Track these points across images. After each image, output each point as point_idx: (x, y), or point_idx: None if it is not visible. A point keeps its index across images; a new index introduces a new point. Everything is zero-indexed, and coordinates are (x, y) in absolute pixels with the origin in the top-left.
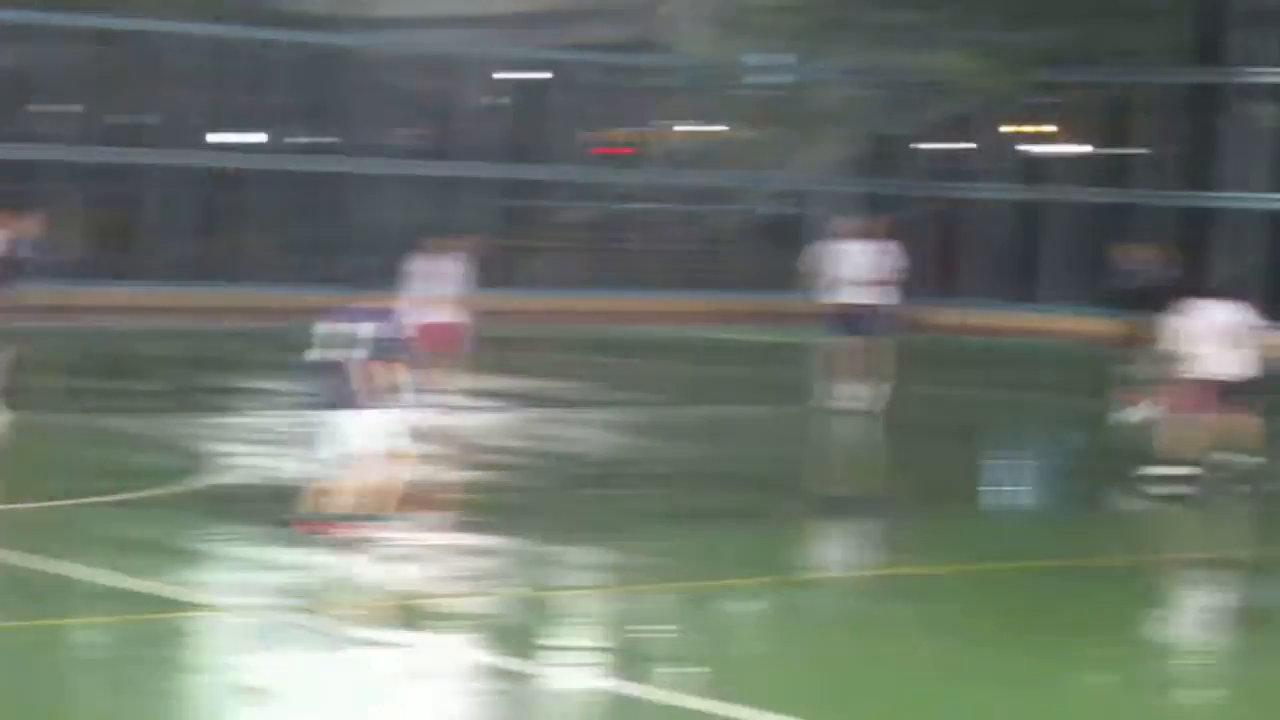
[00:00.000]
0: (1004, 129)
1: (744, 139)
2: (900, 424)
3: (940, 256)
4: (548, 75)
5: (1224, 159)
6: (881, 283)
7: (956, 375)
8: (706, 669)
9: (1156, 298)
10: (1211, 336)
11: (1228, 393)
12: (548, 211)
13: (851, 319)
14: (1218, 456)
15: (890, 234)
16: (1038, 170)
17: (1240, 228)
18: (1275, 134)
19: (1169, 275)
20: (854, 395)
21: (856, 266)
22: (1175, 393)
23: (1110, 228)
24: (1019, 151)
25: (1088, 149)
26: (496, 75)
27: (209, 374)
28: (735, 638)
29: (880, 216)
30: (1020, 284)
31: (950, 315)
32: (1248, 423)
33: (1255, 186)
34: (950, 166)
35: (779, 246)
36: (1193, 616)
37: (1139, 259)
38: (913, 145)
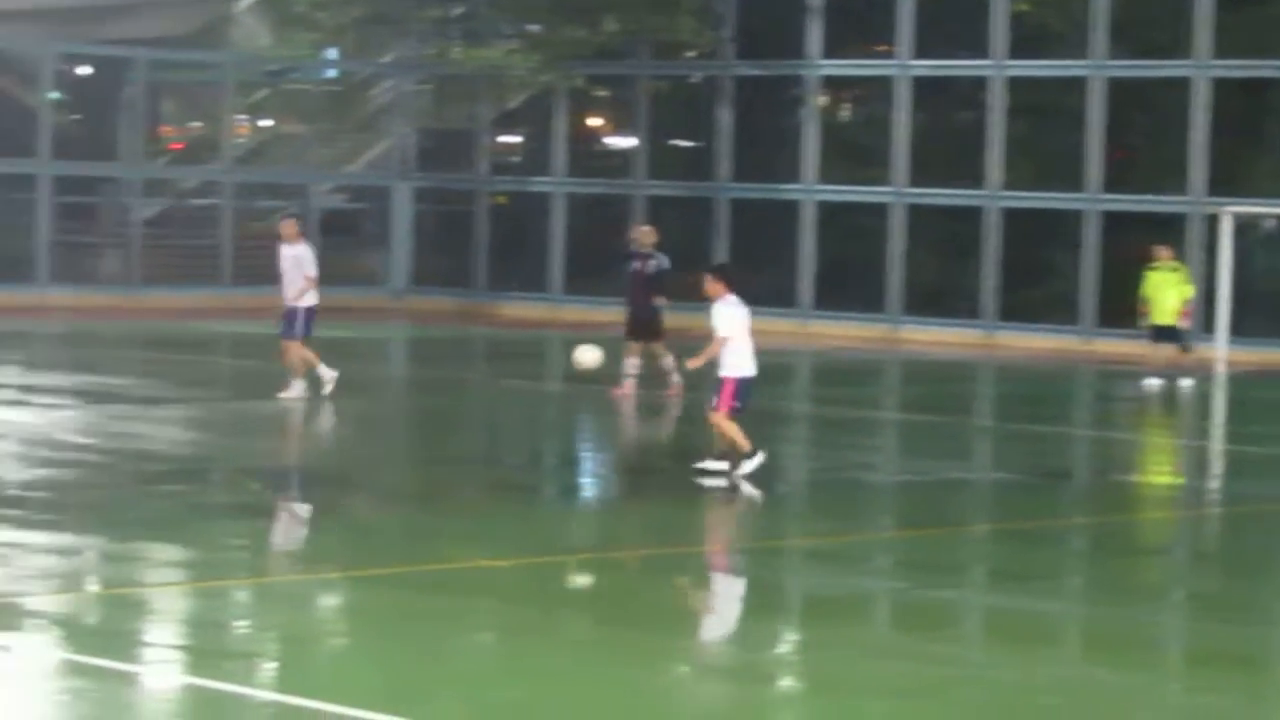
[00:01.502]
0: (569, 121)
1: (301, 134)
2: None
3: (510, 250)
4: (108, 70)
5: (789, 150)
6: (294, 284)
7: (522, 368)
8: (284, 664)
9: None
10: (744, 332)
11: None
12: (108, 208)
13: (284, 318)
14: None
15: (301, 234)
16: (606, 163)
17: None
18: (845, 126)
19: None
20: (298, 388)
21: (284, 268)
22: (721, 389)
23: (692, 220)
24: (586, 144)
25: (659, 142)
26: (53, 69)
27: None
28: (310, 632)
29: (288, 218)
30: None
31: (527, 310)
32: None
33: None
34: (516, 160)
35: (342, 243)
36: (740, 606)
37: (648, 245)
38: (479, 139)
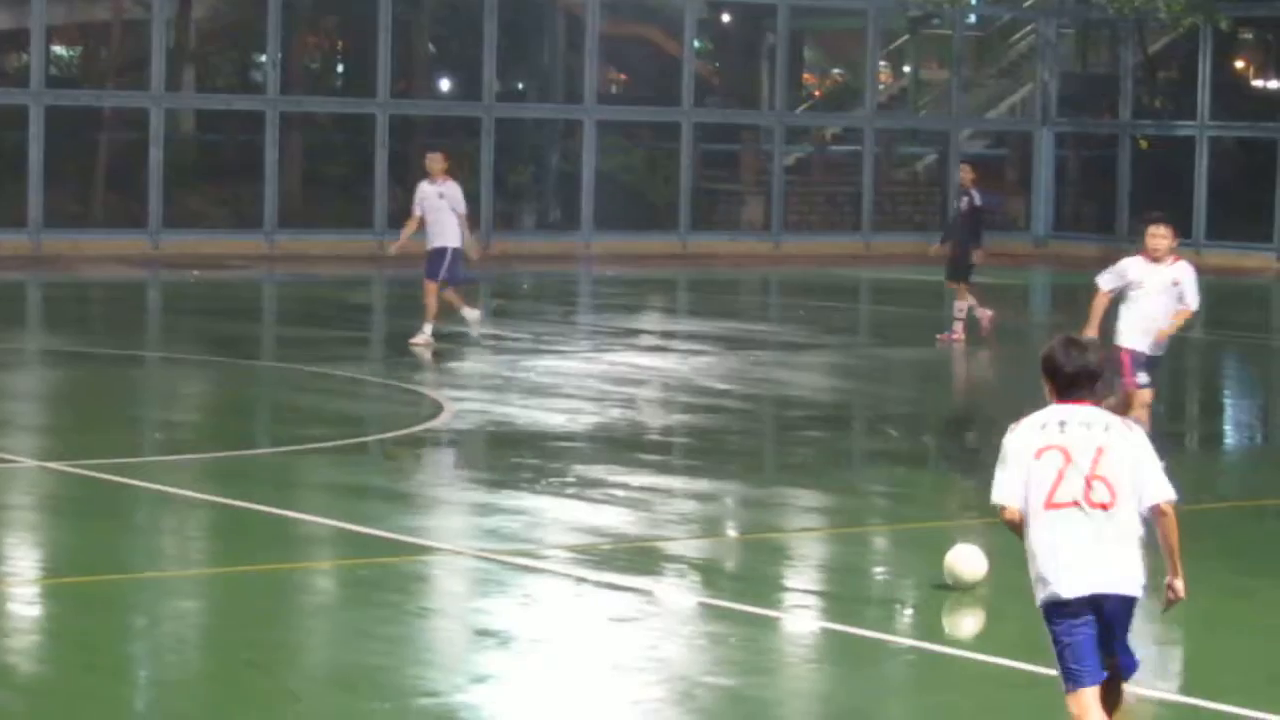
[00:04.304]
0: (1213, 64)
1: (943, 81)
2: None
3: (1154, 195)
4: (750, 18)
5: None
6: (442, 223)
7: None
8: (923, 611)
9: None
10: None
11: None
12: (750, 155)
13: (430, 260)
14: None
15: (447, 171)
16: (1252, 106)
17: None
18: None
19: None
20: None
21: (427, 211)
22: None
23: None
24: (1230, 87)
25: None
26: (697, 18)
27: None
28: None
29: (434, 152)
30: (1251, 224)
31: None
32: None
33: None
34: (1155, 104)
35: (985, 189)
36: None
37: (966, 183)
38: (1122, 83)
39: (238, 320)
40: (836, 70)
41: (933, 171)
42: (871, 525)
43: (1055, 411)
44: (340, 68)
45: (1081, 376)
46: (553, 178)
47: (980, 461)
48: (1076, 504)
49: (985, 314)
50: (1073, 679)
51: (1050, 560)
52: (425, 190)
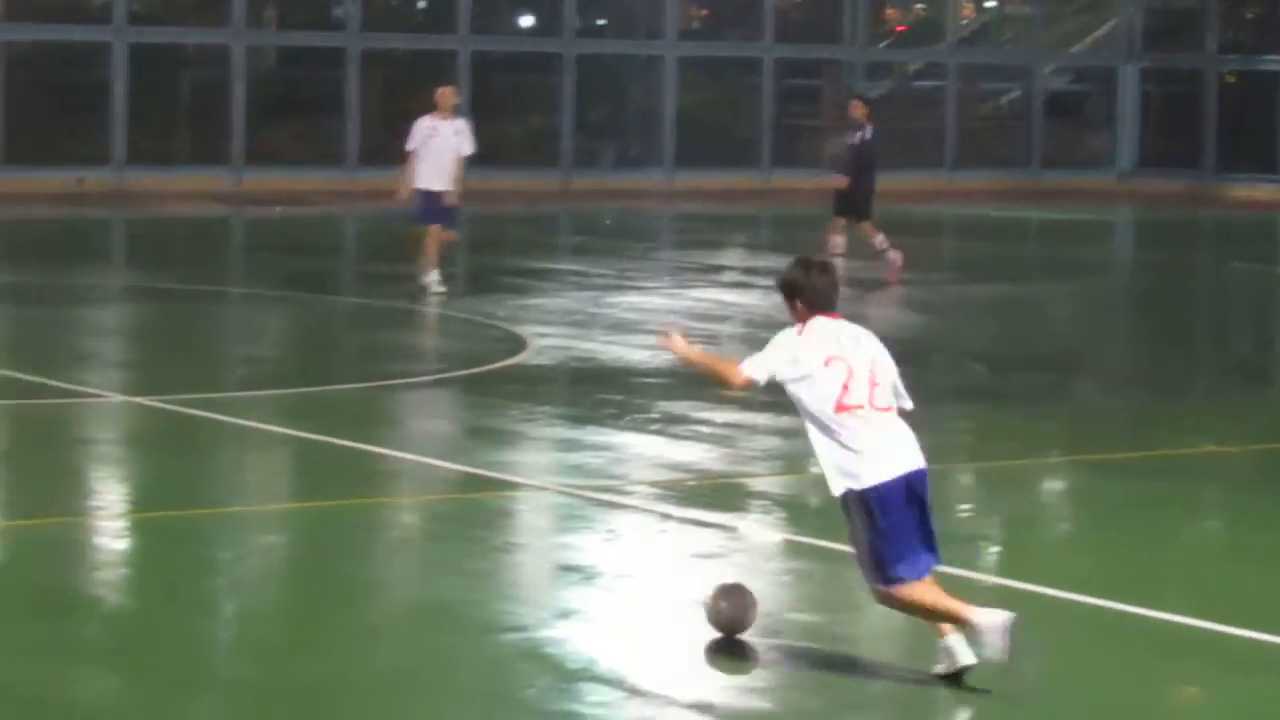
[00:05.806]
0: None
1: (1027, 15)
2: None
3: (1240, 130)
4: None
5: None
6: (445, 163)
7: (1252, 251)
8: (1002, 548)
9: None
10: None
11: None
12: (831, 91)
13: (429, 206)
14: None
15: (458, 110)
16: None
17: None
18: None
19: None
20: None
21: (434, 148)
22: None
23: None
24: None
25: None
26: None
27: (505, 257)
28: (1032, 518)
29: (446, 86)
30: None
31: (1258, 191)
32: None
33: None
34: (1244, 39)
35: (1067, 125)
36: None
37: (857, 117)
38: (1208, 16)
39: (320, 256)
40: (919, 4)
41: (1016, 106)
42: (955, 462)
43: (825, 327)
44: (421, 3)
45: (834, 293)
46: (634, 114)
47: (1062, 398)
48: (862, 406)
49: (836, 244)
50: (909, 564)
51: (853, 455)
52: (436, 126)
